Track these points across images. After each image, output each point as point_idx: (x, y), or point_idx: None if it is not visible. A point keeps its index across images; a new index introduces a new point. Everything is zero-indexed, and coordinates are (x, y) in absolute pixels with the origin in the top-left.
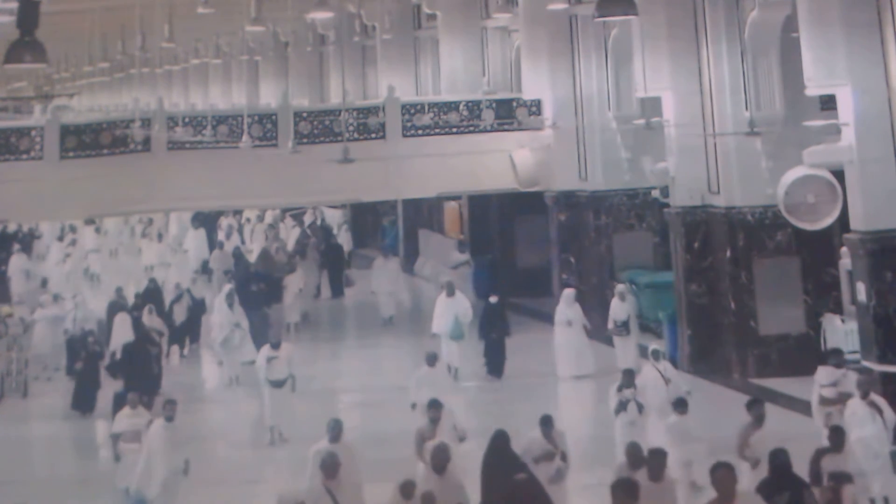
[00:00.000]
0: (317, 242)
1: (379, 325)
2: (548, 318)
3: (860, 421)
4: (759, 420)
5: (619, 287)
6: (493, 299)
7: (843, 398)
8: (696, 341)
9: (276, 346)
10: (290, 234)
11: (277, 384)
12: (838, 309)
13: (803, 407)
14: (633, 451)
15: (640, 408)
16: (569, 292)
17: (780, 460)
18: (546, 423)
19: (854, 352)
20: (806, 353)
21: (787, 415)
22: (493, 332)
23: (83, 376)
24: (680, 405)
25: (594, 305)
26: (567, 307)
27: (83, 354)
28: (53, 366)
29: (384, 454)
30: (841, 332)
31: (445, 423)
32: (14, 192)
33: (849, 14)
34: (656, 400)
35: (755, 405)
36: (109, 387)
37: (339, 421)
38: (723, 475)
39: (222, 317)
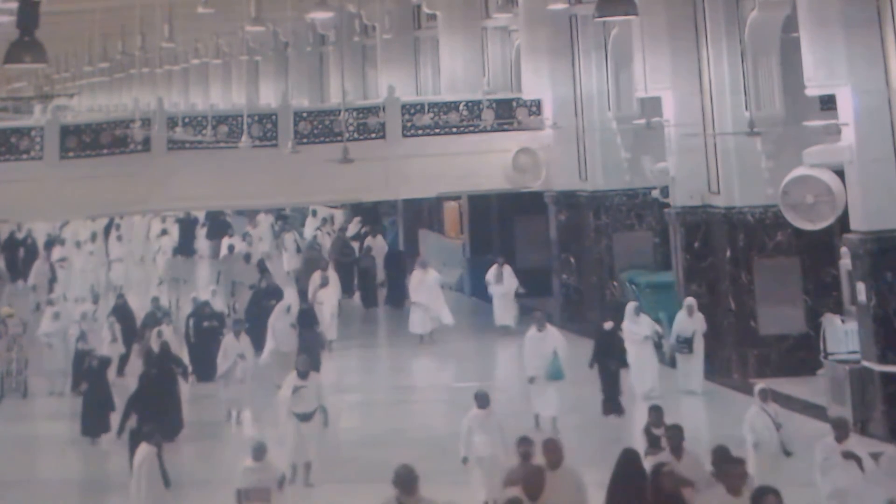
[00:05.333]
0: (346, 249)
1: (416, 342)
2: (547, 318)
3: (833, 470)
4: None
5: (688, 300)
6: (608, 325)
7: None
8: None
9: (303, 374)
10: (326, 242)
11: (304, 417)
12: (838, 309)
13: (803, 407)
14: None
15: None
16: (632, 305)
17: None
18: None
19: (854, 352)
20: (806, 353)
21: (787, 415)
22: (611, 363)
23: (89, 398)
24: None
25: (594, 306)
26: (631, 322)
27: (88, 374)
28: (64, 378)
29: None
30: (841, 332)
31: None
32: (14, 192)
33: (849, 14)
34: (769, 448)
35: None
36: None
37: (408, 467)
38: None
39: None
